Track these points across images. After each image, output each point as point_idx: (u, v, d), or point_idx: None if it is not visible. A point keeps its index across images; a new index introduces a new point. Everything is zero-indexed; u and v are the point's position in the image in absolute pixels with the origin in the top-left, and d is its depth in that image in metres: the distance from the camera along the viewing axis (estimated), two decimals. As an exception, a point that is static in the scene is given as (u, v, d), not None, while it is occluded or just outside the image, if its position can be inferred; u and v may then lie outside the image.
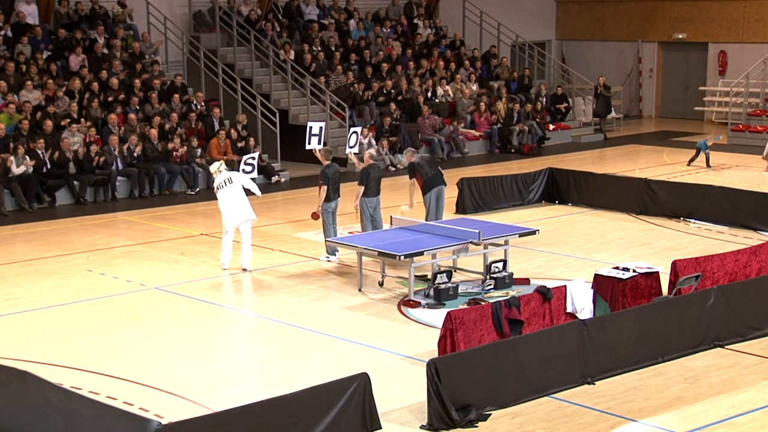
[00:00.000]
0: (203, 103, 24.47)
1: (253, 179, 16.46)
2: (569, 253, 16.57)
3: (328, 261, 16.19)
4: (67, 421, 9.15)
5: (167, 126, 23.01)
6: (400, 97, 27.35)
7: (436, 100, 28.19)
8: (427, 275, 14.63)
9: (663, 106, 35.00)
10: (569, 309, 12.32)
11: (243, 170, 16.51)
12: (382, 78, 27.76)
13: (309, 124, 17.28)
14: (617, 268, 12.97)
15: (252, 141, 23.70)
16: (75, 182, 21.15)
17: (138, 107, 23.30)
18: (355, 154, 18.22)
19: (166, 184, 22.13)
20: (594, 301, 12.58)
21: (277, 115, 24.88)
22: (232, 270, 15.67)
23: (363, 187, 16.03)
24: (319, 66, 27.14)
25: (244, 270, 15.54)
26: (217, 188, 15.80)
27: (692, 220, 18.71)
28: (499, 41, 32.59)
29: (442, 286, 13.91)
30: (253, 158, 16.95)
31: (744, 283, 12.89)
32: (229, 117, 24.75)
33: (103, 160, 21.46)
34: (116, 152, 21.75)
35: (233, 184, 15.69)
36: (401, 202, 20.88)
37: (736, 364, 11.48)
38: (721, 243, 16.86)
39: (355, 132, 17.96)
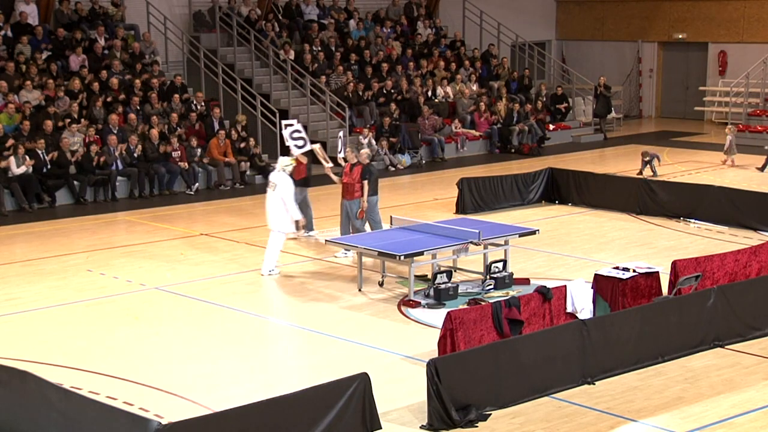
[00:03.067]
0: (203, 103, 24.47)
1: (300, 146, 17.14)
2: (569, 253, 16.57)
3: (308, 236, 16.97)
4: (67, 421, 9.15)
5: (166, 126, 23.02)
6: (399, 97, 27.35)
7: (436, 100, 28.20)
8: (427, 275, 14.63)
9: (663, 106, 35.00)
10: (569, 309, 12.32)
11: (295, 146, 17.15)
12: (382, 78, 27.77)
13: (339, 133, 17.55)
14: (617, 268, 12.98)
15: (252, 141, 23.70)
16: (75, 182, 21.16)
17: (138, 107, 23.30)
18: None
19: (166, 184, 22.14)
20: (594, 301, 12.58)
21: (277, 115, 24.86)
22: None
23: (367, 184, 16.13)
24: (319, 66, 27.14)
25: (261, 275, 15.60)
26: (271, 184, 15.73)
27: (692, 220, 18.71)
28: (499, 41, 32.60)
29: (442, 286, 13.91)
30: (299, 130, 17.38)
31: (744, 283, 12.89)
32: (229, 117, 24.75)
33: (103, 160, 21.47)
34: (116, 152, 21.76)
35: (275, 191, 15.53)
36: (401, 201, 20.94)
37: (736, 364, 11.49)
38: (721, 243, 16.87)
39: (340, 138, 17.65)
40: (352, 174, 16.27)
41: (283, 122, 17.51)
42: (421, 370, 10.14)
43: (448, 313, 11.30)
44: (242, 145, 23.53)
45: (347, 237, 15.89)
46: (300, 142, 17.28)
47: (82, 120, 22.23)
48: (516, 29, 32.72)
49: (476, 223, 15.75)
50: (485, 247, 14.78)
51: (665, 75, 34.86)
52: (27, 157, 20.39)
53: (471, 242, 14.42)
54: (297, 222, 15.80)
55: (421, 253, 14.03)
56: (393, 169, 25.02)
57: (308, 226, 17.63)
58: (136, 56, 24.97)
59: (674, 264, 13.19)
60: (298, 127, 17.46)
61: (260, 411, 9.04)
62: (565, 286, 12.46)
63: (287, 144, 17.34)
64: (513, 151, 27.55)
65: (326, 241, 15.64)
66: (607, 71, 32.92)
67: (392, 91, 27.37)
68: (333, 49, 28.25)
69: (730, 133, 24.70)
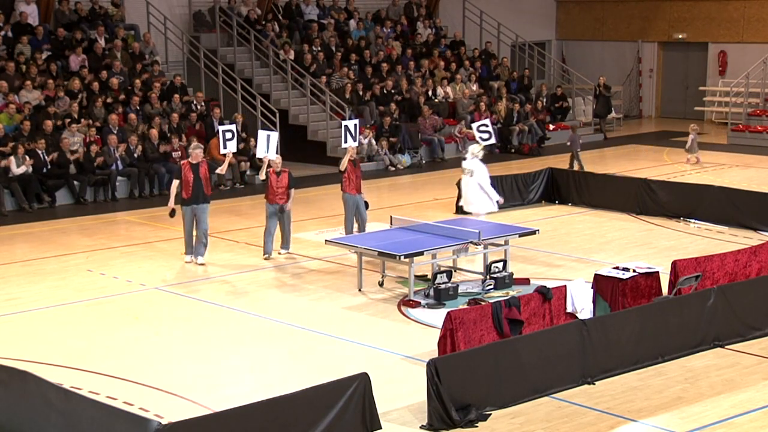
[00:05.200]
0: (203, 103, 24.47)
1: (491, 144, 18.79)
2: (569, 253, 16.57)
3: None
4: (67, 421, 9.15)
5: (166, 126, 23.02)
6: (400, 98, 27.35)
7: (436, 100, 28.19)
8: (427, 275, 14.63)
9: (663, 106, 35.00)
10: (569, 309, 12.32)
11: (480, 138, 18.21)
12: (382, 78, 27.76)
13: (344, 123, 17.32)
14: (617, 268, 12.98)
15: (252, 141, 23.68)
16: (75, 182, 21.16)
17: (138, 107, 23.30)
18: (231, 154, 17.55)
19: (166, 184, 22.10)
20: (594, 301, 12.58)
21: (277, 115, 24.87)
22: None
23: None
24: (319, 66, 27.14)
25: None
26: (467, 171, 17.20)
27: (692, 220, 18.71)
28: (499, 41, 32.60)
29: (442, 286, 13.91)
30: (486, 125, 18.35)
31: (744, 283, 12.89)
32: (229, 117, 24.74)
33: (103, 161, 21.46)
34: (116, 152, 21.76)
35: (473, 177, 17.11)
36: (401, 201, 20.97)
37: (736, 364, 11.49)
38: (721, 243, 16.86)
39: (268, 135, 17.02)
40: (356, 170, 16.73)
41: (473, 124, 18.65)
42: (421, 370, 10.14)
43: (448, 313, 11.30)
44: (242, 146, 23.50)
45: (348, 237, 15.93)
46: (485, 135, 18.42)
47: (82, 120, 22.23)
48: (516, 29, 32.71)
49: (476, 223, 15.75)
50: (485, 247, 14.78)
51: (665, 75, 34.87)
52: (27, 157, 20.39)
53: (471, 242, 14.42)
54: (498, 201, 17.19)
55: (421, 253, 14.03)
56: (393, 169, 25.01)
57: (198, 251, 16.19)
58: (136, 56, 24.97)
59: (674, 264, 13.19)
60: (486, 122, 18.91)
61: (260, 411, 9.04)
62: (565, 286, 12.46)
63: (476, 136, 18.59)
64: (513, 151, 27.54)
65: (326, 241, 15.64)
66: (607, 71, 32.93)
67: (392, 91, 27.37)
68: (333, 49, 28.25)
69: (693, 132, 24.95)
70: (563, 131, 29.70)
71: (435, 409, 9.80)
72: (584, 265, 15.67)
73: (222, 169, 17.33)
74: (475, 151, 17.36)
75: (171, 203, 16.14)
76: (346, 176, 16.58)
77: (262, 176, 16.39)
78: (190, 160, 16.13)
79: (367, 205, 16.90)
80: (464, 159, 17.76)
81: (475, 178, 17.18)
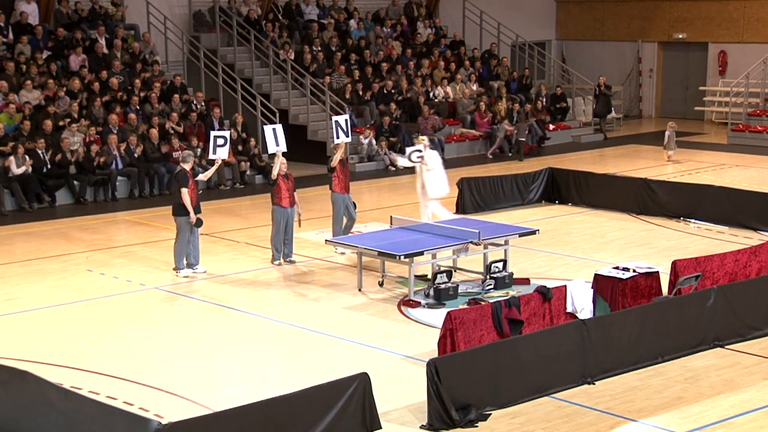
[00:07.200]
0: (203, 103, 24.46)
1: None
2: (569, 253, 16.57)
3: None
4: (67, 421, 9.15)
5: (167, 125, 23.02)
6: (400, 97, 27.35)
7: (436, 100, 28.19)
8: (427, 275, 14.63)
9: (663, 106, 34.99)
10: (569, 309, 12.32)
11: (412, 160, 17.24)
12: (382, 78, 27.76)
13: (334, 118, 17.00)
14: (617, 268, 12.98)
15: (252, 141, 23.70)
16: (75, 182, 21.16)
17: (138, 107, 23.30)
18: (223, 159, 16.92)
19: (166, 184, 22.12)
20: (594, 301, 12.58)
21: (277, 115, 24.87)
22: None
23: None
24: (319, 66, 27.14)
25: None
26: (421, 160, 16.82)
27: (692, 220, 18.71)
28: (499, 41, 32.60)
29: (442, 286, 13.91)
30: (419, 150, 17.14)
31: (744, 283, 12.89)
32: (229, 117, 24.76)
33: (103, 160, 21.46)
34: (116, 152, 21.76)
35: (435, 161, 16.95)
36: (401, 201, 20.95)
37: (736, 364, 11.49)
38: (721, 243, 16.86)
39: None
40: (345, 169, 16.65)
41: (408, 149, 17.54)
42: (421, 370, 10.14)
43: (448, 313, 11.30)
44: (242, 147, 23.49)
45: (348, 237, 15.91)
46: (416, 158, 17.13)
47: (82, 120, 22.23)
48: (516, 29, 32.71)
49: (476, 223, 15.74)
50: (485, 247, 14.78)
51: (665, 75, 34.86)
52: (27, 157, 20.39)
53: (471, 242, 14.42)
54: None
55: (421, 253, 14.03)
56: (393, 169, 25.00)
57: (197, 260, 15.78)
58: (136, 56, 24.97)
59: (674, 264, 13.19)
60: (420, 147, 17.35)
61: (260, 411, 9.04)
62: (565, 286, 12.46)
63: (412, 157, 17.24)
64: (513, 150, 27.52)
65: (326, 240, 15.63)
66: (607, 71, 32.92)
67: (392, 91, 27.37)
68: (333, 49, 28.26)
69: (670, 129, 25.20)
70: (563, 131, 29.74)
71: (435, 409, 9.80)
72: (584, 265, 15.67)
73: (206, 176, 16.58)
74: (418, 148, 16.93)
75: (193, 215, 15.35)
76: (336, 175, 16.49)
77: (274, 175, 15.94)
78: (185, 167, 15.54)
79: (354, 205, 16.78)
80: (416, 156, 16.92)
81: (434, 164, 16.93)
